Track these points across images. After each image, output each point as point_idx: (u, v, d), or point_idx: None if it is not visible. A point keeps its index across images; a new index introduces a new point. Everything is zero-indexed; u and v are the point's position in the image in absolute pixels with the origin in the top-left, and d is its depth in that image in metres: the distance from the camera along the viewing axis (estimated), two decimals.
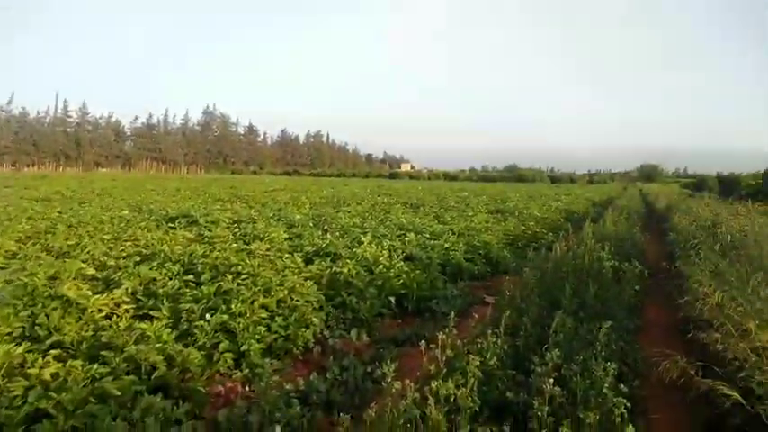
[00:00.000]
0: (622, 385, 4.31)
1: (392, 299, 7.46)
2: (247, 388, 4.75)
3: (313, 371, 5.49)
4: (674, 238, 10.01)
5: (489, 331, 4.68)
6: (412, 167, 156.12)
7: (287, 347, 5.61)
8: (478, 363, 3.52)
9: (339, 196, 26.38)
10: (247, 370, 4.92)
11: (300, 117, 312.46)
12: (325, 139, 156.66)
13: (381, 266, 8.09)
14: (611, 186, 69.73)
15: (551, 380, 3.35)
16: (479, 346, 4.17)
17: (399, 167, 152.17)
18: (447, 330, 4.18)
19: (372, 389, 5.14)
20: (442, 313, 7.49)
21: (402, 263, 8.67)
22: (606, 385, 3.22)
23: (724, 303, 3.52)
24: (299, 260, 8.00)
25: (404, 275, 8.04)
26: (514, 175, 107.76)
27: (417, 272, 8.43)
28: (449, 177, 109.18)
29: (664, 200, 25.61)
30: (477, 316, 5.38)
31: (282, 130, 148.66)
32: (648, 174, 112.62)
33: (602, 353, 4.11)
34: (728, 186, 41.24)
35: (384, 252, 8.81)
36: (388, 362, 3.68)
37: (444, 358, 3.74)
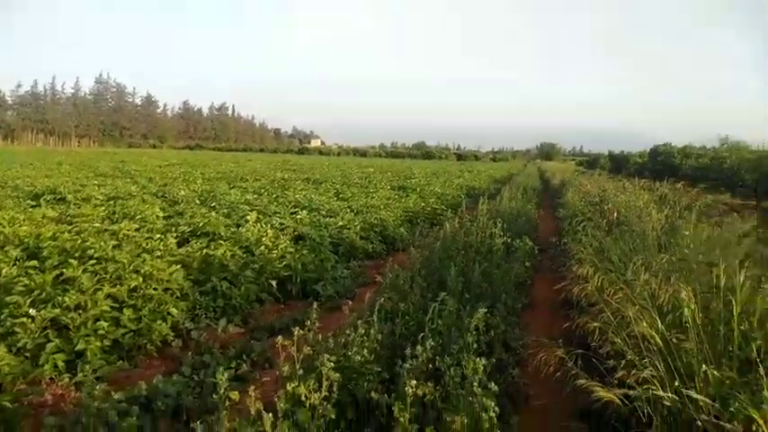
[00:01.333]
0: (499, 377, 4.07)
1: (273, 282, 6.88)
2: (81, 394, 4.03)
3: (172, 370, 4.86)
4: (564, 214, 10.09)
5: (365, 319, 4.26)
6: (322, 143, 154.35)
7: (140, 343, 4.89)
8: (334, 361, 3.05)
9: (238, 172, 25.16)
10: (81, 374, 4.17)
11: (206, 89, 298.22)
12: (230, 112, 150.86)
13: (263, 247, 7.45)
14: (513, 163, 72.22)
15: (413, 380, 2.94)
16: (348, 338, 3.70)
17: (309, 143, 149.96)
18: (309, 322, 3.68)
19: (237, 388, 4.59)
20: (329, 296, 7.02)
21: (289, 243, 8.08)
22: (476, 384, 2.84)
23: (604, 287, 3.26)
24: (173, 241, 7.21)
25: (288, 256, 7.46)
26: (422, 152, 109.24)
27: (305, 252, 7.88)
28: (358, 153, 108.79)
29: (559, 176, 26.56)
30: (367, 296, 4.94)
31: (184, 102, 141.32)
32: (547, 152, 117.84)
33: (478, 341, 3.76)
34: (619, 164, 43.81)
35: (269, 231, 8.16)
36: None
37: (301, 357, 3.23)
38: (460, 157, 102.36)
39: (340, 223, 10.26)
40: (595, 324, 3.08)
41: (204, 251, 6.82)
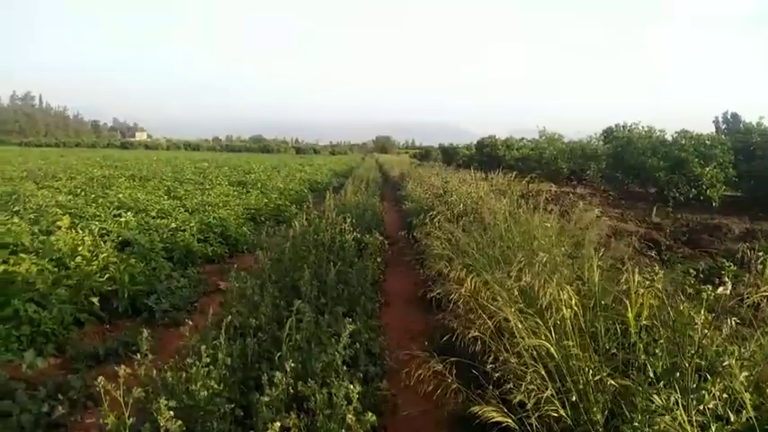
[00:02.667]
0: (366, 389, 3.72)
1: (95, 300, 5.86)
2: None
3: None
4: (409, 207, 10.12)
5: (210, 339, 3.64)
6: (149, 137, 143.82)
7: None
8: (173, 405, 2.45)
9: (49, 169, 22.09)
10: None
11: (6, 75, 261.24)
12: (37, 102, 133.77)
13: (80, 258, 6.33)
14: (352, 157, 73.37)
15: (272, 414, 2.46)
16: (191, 369, 3.07)
17: (134, 136, 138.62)
18: (140, 353, 2.99)
19: None
20: (165, 311, 6.16)
21: (112, 251, 6.99)
22: (350, 416, 2.44)
23: (477, 291, 3.05)
24: None
25: (112, 267, 6.43)
26: (260, 146, 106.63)
27: (132, 261, 6.88)
28: (190, 147, 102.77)
29: (398, 169, 27.23)
30: (210, 311, 4.28)
31: None
32: (383, 145, 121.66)
33: (343, 355, 3.36)
34: (449, 156, 46.32)
35: (86, 239, 6.99)
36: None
37: (131, 402, 2.56)
38: (299, 150, 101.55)
39: (172, 225, 9.23)
40: (474, 333, 2.83)
41: (2, 267, 5.57)
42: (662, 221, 13.30)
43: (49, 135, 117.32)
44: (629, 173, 17.79)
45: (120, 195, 12.32)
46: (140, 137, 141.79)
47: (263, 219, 12.64)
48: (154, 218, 10.13)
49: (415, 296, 6.80)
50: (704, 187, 14.42)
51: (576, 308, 2.47)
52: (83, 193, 13.30)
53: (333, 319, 4.70)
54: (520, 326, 2.45)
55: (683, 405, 2.07)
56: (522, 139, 30.75)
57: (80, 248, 6.60)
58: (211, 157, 46.85)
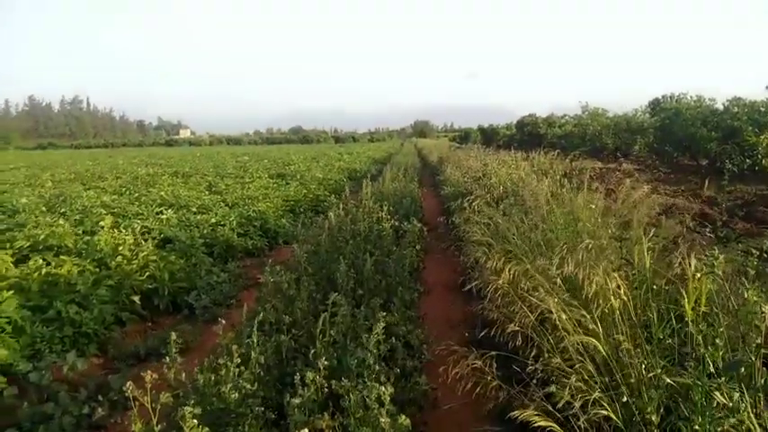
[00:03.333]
0: (405, 384, 3.59)
1: (136, 298, 5.92)
2: None
3: (7, 425, 3.87)
4: (448, 192, 9.90)
5: (244, 336, 3.57)
6: (192, 134, 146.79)
7: None
8: (201, 409, 2.37)
9: (96, 170, 22.75)
10: None
11: (55, 80, 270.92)
12: (85, 105, 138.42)
13: (120, 257, 6.41)
14: (390, 143, 73.02)
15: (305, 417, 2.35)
16: (221, 371, 2.99)
17: (178, 134, 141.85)
18: (169, 357, 2.94)
19: None
20: (204, 308, 6.17)
21: (153, 249, 7.06)
22: (382, 420, 2.30)
23: (516, 280, 2.85)
24: (8, 260, 5.98)
25: (152, 265, 6.49)
26: (299, 137, 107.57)
27: (173, 258, 6.94)
28: (232, 142, 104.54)
29: (436, 153, 26.88)
30: (245, 307, 4.24)
31: (30, 97, 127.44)
32: (421, 129, 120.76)
33: (378, 350, 3.23)
34: (489, 137, 45.60)
35: (128, 238, 7.08)
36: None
37: (158, 409, 2.50)
38: (338, 139, 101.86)
39: (212, 220, 9.30)
40: (515, 328, 2.65)
41: (44, 270, 5.68)
42: (716, 195, 12.67)
43: (97, 137, 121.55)
44: (679, 146, 17.00)
45: (162, 193, 12.51)
46: (184, 134, 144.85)
47: (302, 210, 12.64)
48: (195, 213, 10.23)
49: (455, 283, 6.62)
50: (759, 157, 13.61)
51: (625, 297, 2.26)
52: (127, 192, 13.59)
53: (370, 312, 4.58)
54: (564, 317, 2.25)
55: (750, 404, 1.85)
56: (565, 115, 29.89)
57: (121, 248, 6.68)
58: (252, 151, 47.51)
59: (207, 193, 13.70)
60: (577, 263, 2.46)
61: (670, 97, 17.77)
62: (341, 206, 8.05)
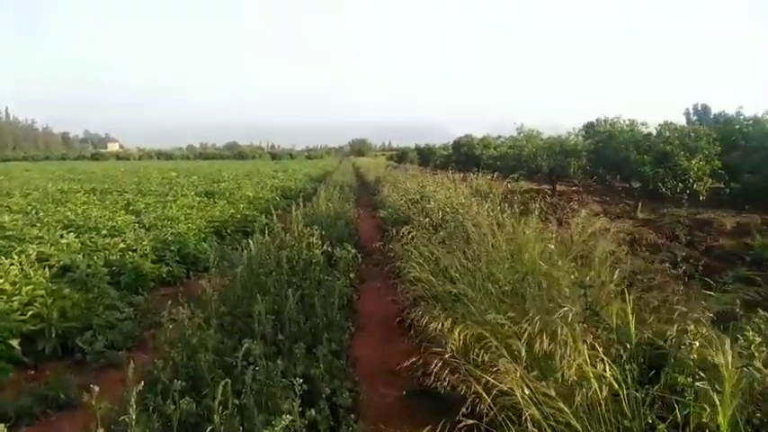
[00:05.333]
0: None
1: (15, 343, 4.96)
2: None
3: None
4: (386, 215, 9.34)
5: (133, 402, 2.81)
6: (120, 147, 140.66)
7: None
8: None
9: (5, 186, 20.88)
10: None
11: None
12: (3, 116, 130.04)
13: None
14: (328, 161, 72.22)
15: None
16: None
17: (106, 147, 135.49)
18: None
19: None
20: (98, 352, 5.27)
21: (44, 281, 6.08)
22: None
23: (469, 346, 2.27)
24: None
25: (39, 301, 5.53)
26: (234, 153, 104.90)
27: (66, 291, 5.99)
28: (163, 156, 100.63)
29: (373, 172, 26.43)
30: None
31: None
32: (359, 148, 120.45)
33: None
34: (426, 157, 45.65)
35: (13, 268, 6.07)
36: None
37: None
38: (275, 156, 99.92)
39: (122, 245, 8.31)
40: (468, 421, 2.04)
41: None
42: (652, 217, 12.75)
43: (17, 149, 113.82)
44: (612, 168, 17.23)
45: (70, 213, 11.31)
46: (113, 147, 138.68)
47: (228, 232, 11.74)
48: (105, 237, 9.18)
49: (394, 317, 6.01)
50: (691, 181, 13.88)
51: (614, 383, 1.71)
52: (33, 211, 12.25)
53: (291, 363, 3.90)
54: (536, 412, 1.67)
55: None
56: (500, 137, 30.19)
57: (1, 281, 5.68)
58: (183, 166, 45.51)
59: (123, 212, 12.54)
60: (551, 336, 1.91)
61: (604, 121, 18.07)
62: (266, 230, 7.36)
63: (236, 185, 20.24)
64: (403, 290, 4.45)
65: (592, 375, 1.70)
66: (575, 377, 1.74)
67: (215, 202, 15.07)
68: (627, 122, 17.29)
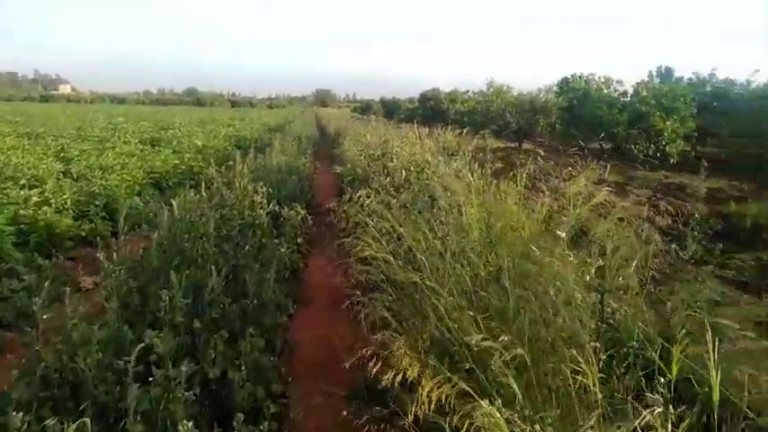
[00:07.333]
0: None
1: None
2: None
3: None
4: (343, 171, 8.41)
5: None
6: (73, 89, 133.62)
7: None
8: None
9: None
10: None
11: None
12: None
13: None
14: (290, 110, 70.00)
15: None
16: None
17: (57, 89, 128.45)
18: None
19: None
20: None
21: None
22: None
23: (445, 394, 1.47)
24: None
25: None
26: (193, 99, 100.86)
27: None
28: (116, 101, 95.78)
29: (334, 123, 25.24)
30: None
31: None
32: (323, 98, 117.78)
33: None
34: (391, 110, 44.38)
35: None
36: None
37: None
38: (235, 104, 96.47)
39: (35, 198, 7.19)
40: None
41: None
42: (619, 180, 12.20)
43: None
44: (585, 128, 16.50)
45: None
46: (64, 89, 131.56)
47: (170, 184, 10.65)
48: (21, 188, 7.99)
49: (344, 292, 5.18)
50: (664, 143, 13.30)
51: None
52: None
53: (206, 362, 3.04)
54: None
55: None
56: (468, 91, 29.16)
57: None
58: (135, 111, 43.11)
59: (54, 159, 11.22)
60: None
61: (579, 77, 17.24)
62: (203, 185, 6.43)
63: (186, 133, 18.82)
64: (356, 270, 3.61)
65: None
66: None
67: (160, 151, 13.78)
68: (602, 80, 16.54)
